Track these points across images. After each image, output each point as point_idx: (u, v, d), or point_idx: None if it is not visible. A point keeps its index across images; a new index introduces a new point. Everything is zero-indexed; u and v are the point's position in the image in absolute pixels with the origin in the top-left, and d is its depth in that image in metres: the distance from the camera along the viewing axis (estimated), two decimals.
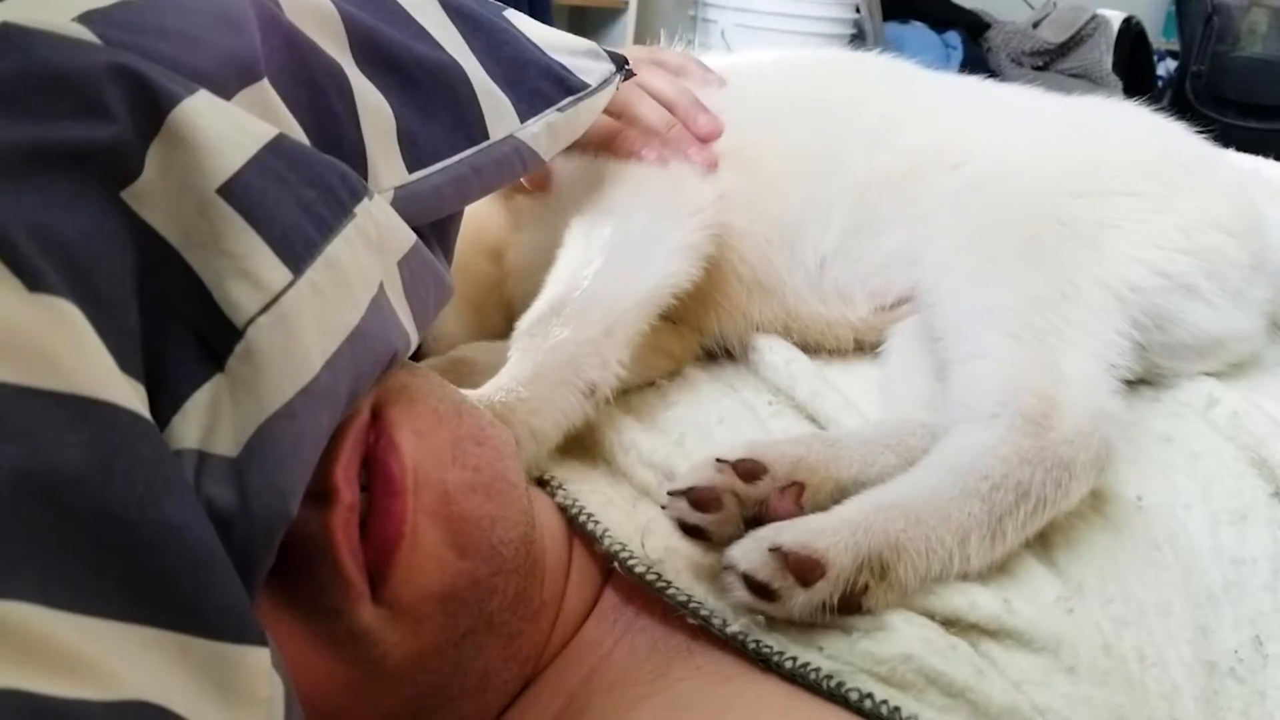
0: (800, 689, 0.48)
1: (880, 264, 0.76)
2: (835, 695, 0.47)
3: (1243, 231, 0.70)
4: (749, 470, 0.54)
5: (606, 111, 0.72)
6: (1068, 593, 0.52)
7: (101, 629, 0.31)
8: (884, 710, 0.45)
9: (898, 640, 0.48)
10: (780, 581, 0.48)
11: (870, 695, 0.46)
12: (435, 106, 0.58)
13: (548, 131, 0.64)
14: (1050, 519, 0.55)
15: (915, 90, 0.88)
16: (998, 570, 0.53)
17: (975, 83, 0.92)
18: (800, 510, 0.54)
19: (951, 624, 0.50)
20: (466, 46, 0.62)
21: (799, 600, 0.48)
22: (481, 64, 0.62)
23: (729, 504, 0.53)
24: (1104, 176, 0.71)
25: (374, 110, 0.53)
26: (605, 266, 0.67)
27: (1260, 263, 0.71)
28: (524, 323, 0.65)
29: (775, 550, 0.49)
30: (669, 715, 0.47)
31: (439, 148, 0.57)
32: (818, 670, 0.47)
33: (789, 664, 0.48)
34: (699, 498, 0.53)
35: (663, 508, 0.56)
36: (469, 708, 0.51)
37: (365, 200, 0.46)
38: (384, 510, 0.45)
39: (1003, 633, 0.49)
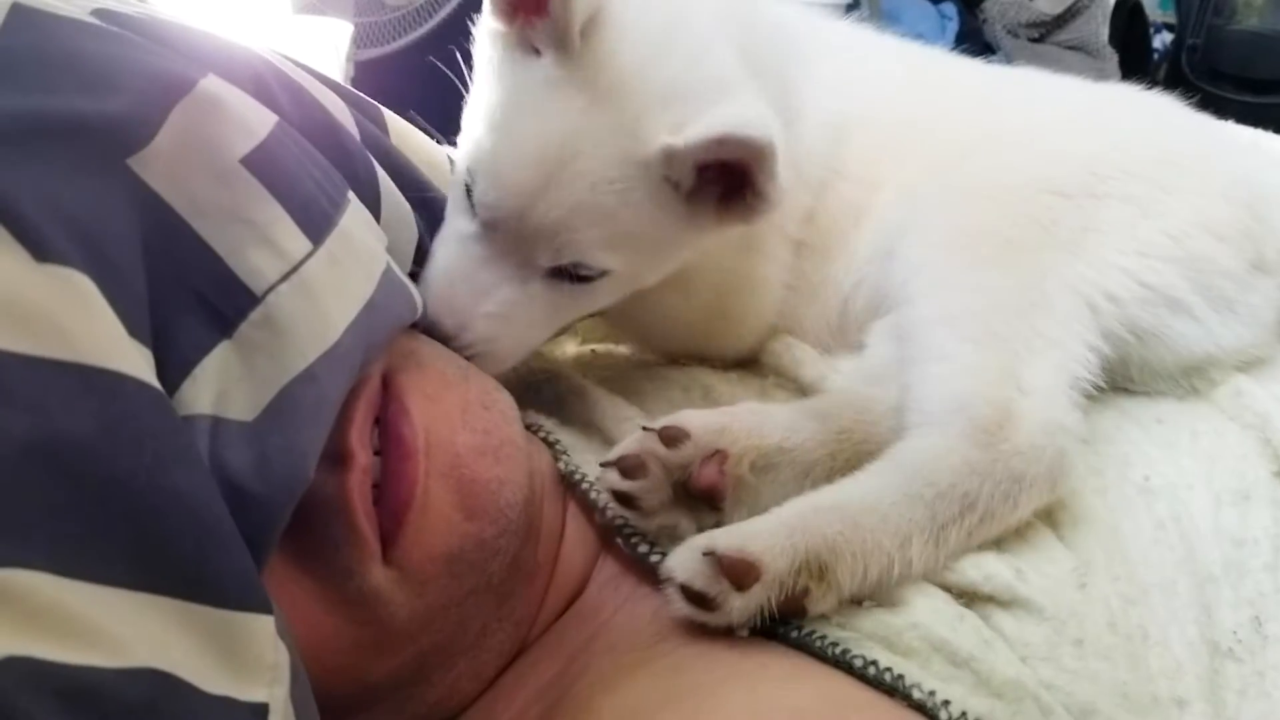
0: (803, 656, 0.48)
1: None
2: (840, 663, 0.47)
3: (1237, 235, 0.65)
4: (671, 435, 0.54)
5: None
6: (1081, 566, 0.52)
7: (109, 596, 0.31)
8: (888, 678, 0.45)
9: (909, 611, 0.48)
10: (716, 588, 0.47)
11: (875, 662, 0.46)
12: None
13: None
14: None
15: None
16: (1016, 539, 0.53)
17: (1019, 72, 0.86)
18: (723, 477, 0.54)
19: (966, 595, 0.50)
20: None
21: (735, 605, 0.47)
22: None
23: (654, 469, 0.53)
24: (1094, 178, 0.66)
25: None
26: None
27: (1261, 260, 0.66)
28: None
29: (710, 554, 0.48)
30: (669, 679, 0.47)
31: None
32: (823, 638, 0.47)
33: (794, 633, 0.48)
34: (626, 465, 0.54)
35: (593, 485, 0.56)
36: (465, 665, 0.52)
37: (350, 191, 0.48)
38: (397, 472, 0.46)
39: (1015, 602, 0.49)
